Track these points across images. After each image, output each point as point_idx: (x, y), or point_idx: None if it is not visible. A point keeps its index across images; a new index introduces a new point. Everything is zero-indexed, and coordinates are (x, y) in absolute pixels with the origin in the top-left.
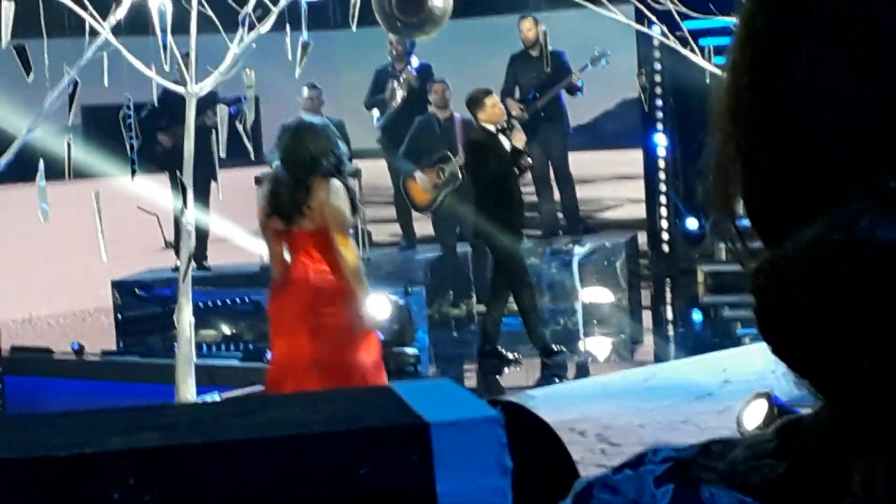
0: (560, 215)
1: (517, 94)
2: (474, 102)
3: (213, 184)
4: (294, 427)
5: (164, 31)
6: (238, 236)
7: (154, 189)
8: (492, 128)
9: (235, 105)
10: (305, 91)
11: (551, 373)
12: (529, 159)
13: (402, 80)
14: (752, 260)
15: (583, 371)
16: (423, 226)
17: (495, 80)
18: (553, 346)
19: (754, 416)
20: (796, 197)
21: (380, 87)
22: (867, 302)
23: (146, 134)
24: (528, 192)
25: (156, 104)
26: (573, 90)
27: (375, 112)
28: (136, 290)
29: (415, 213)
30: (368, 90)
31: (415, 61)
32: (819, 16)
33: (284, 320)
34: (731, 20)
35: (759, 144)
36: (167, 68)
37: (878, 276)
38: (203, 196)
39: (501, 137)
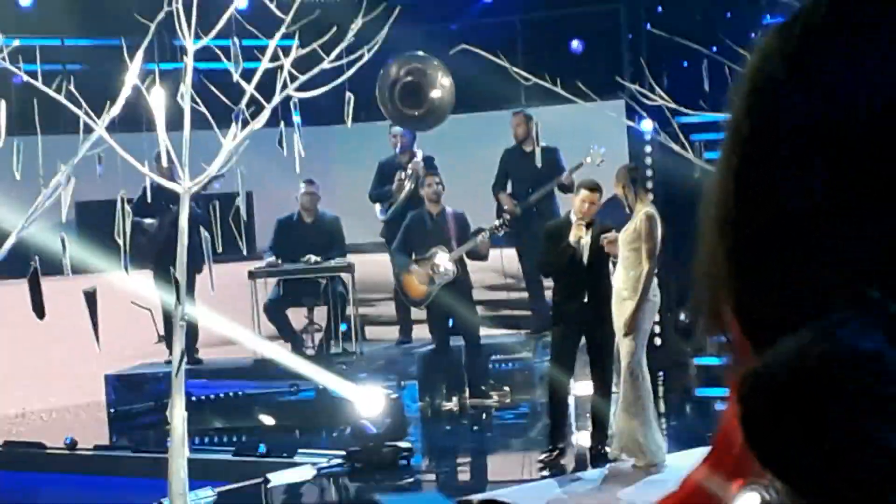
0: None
1: (509, 189)
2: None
3: (197, 277)
4: None
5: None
6: (231, 330)
7: (146, 283)
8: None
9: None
10: (303, 187)
11: (545, 467)
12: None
13: (409, 171)
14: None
15: (576, 465)
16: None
17: (489, 174)
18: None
19: None
20: (783, 308)
21: (385, 180)
22: (850, 412)
23: (133, 229)
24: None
25: (149, 200)
26: (566, 189)
27: (377, 207)
28: (129, 384)
29: (413, 310)
30: (373, 183)
31: (419, 154)
32: (804, 128)
33: None
34: (721, 115)
35: (746, 255)
36: (165, 164)
37: (861, 386)
38: (189, 289)
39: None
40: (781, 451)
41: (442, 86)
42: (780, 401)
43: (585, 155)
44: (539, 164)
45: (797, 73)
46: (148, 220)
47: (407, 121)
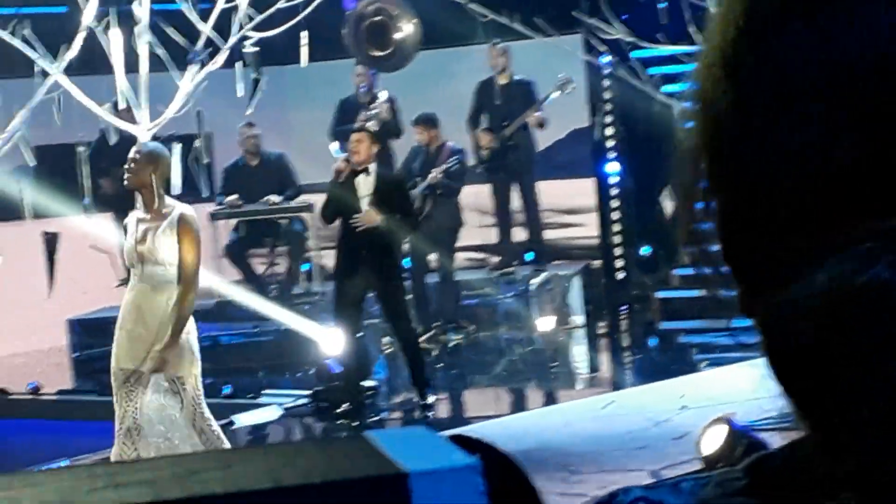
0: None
1: (484, 123)
2: None
3: None
4: (272, 480)
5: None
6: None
7: (108, 227)
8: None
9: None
10: (243, 131)
11: (510, 402)
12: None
13: (374, 111)
14: (725, 289)
15: (546, 399)
16: None
17: (454, 110)
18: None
19: (713, 441)
20: (792, 241)
21: (346, 118)
22: (887, 342)
23: (93, 172)
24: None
25: (109, 143)
26: (542, 124)
27: (334, 145)
28: (92, 328)
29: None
30: (333, 121)
31: (383, 94)
32: (803, 67)
33: None
34: (679, 49)
35: (747, 185)
36: (122, 105)
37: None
38: None
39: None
40: (813, 387)
41: (409, 25)
42: (819, 335)
43: (553, 86)
44: (514, 96)
45: (792, 12)
46: (106, 178)
47: (373, 61)
